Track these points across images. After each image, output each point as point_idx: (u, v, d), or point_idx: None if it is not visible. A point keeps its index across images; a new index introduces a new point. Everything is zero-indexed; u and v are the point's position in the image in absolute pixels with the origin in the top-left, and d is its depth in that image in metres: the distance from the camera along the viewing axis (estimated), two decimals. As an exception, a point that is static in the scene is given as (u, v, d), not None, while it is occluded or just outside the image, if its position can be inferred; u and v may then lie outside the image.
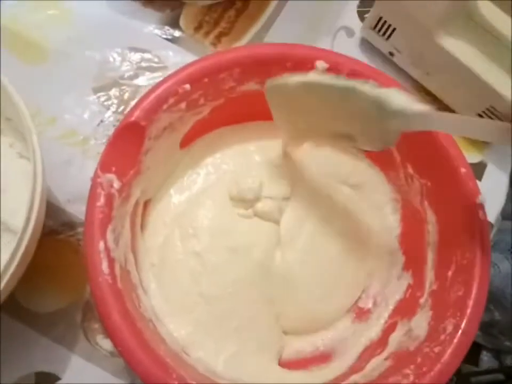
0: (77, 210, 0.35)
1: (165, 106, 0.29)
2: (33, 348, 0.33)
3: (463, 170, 0.29)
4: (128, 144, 0.28)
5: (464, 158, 0.29)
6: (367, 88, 0.26)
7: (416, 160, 0.32)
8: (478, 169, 0.44)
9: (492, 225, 0.41)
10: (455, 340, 0.26)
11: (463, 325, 0.26)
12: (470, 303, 0.26)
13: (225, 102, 0.32)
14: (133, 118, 0.28)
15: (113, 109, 0.38)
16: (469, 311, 0.26)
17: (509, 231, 0.50)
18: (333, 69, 0.31)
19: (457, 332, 0.26)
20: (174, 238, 0.32)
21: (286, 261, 0.33)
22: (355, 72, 0.31)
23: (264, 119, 0.34)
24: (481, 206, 0.28)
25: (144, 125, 0.28)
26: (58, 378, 0.32)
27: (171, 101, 0.29)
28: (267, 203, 0.33)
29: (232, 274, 0.31)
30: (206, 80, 0.30)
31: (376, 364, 0.29)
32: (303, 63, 0.31)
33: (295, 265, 0.33)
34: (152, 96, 0.28)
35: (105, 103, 0.39)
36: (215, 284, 0.31)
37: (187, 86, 0.29)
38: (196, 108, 0.31)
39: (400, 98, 0.25)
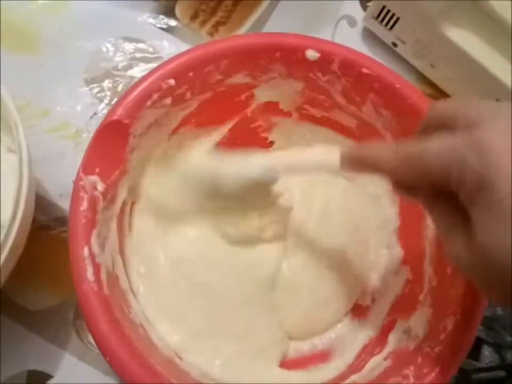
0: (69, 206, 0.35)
1: (148, 103, 0.28)
2: (26, 346, 0.32)
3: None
4: (111, 143, 0.27)
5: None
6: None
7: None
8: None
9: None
10: (457, 339, 0.25)
11: (464, 324, 0.25)
12: (471, 300, 0.25)
13: (213, 96, 0.31)
14: (115, 117, 0.27)
15: (106, 101, 0.38)
16: (470, 309, 0.25)
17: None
18: (325, 57, 0.30)
19: (458, 331, 0.25)
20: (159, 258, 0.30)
21: (291, 267, 0.32)
22: (348, 61, 0.30)
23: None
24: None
25: (128, 123, 0.27)
26: (50, 377, 0.32)
27: (155, 96, 0.28)
28: (272, 228, 0.32)
29: (232, 292, 0.30)
30: (191, 74, 0.28)
31: (375, 363, 0.29)
32: (293, 53, 0.30)
33: (298, 270, 0.32)
34: (135, 92, 0.27)
35: (98, 95, 0.38)
36: (210, 298, 0.30)
37: (171, 81, 0.28)
38: (182, 102, 0.30)
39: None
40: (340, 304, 0.33)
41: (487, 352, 0.37)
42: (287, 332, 0.32)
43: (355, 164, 0.23)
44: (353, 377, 0.28)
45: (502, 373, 0.36)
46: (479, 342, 0.37)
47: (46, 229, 0.34)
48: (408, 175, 0.20)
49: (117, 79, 0.38)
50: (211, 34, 0.41)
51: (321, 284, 0.32)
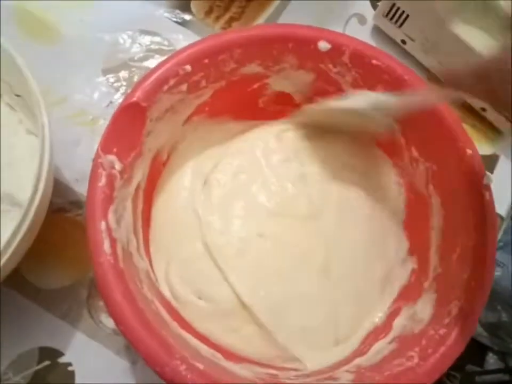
0: (85, 190, 0.35)
1: (165, 88, 0.28)
2: (38, 323, 0.33)
3: (469, 151, 0.28)
4: (129, 124, 0.27)
5: (470, 139, 0.29)
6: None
7: (421, 143, 0.32)
8: (490, 162, 0.44)
9: (502, 218, 0.40)
10: (460, 323, 0.25)
11: (468, 308, 0.26)
12: (476, 285, 0.26)
13: (227, 84, 0.32)
14: (134, 99, 0.27)
15: (122, 90, 0.39)
16: (474, 293, 0.26)
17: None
18: (336, 49, 0.31)
19: (462, 314, 0.26)
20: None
21: None
22: (358, 52, 0.31)
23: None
24: (488, 187, 0.28)
25: (145, 106, 0.28)
26: (62, 354, 0.33)
27: (172, 82, 0.29)
28: None
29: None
30: (206, 61, 0.29)
31: (380, 347, 0.29)
32: (305, 44, 0.31)
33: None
34: (153, 77, 0.28)
35: (115, 84, 0.39)
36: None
37: (188, 67, 0.29)
38: (197, 90, 0.31)
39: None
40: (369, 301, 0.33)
41: (492, 360, 0.37)
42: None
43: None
44: (358, 361, 0.29)
45: (505, 377, 0.36)
46: (483, 349, 0.37)
47: (61, 212, 0.35)
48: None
49: (133, 69, 0.39)
50: (225, 29, 0.43)
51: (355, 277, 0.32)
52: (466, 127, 0.44)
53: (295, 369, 0.29)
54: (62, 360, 0.33)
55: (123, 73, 0.39)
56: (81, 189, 0.36)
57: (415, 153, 0.33)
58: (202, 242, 0.31)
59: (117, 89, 0.39)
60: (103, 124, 0.37)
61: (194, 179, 0.34)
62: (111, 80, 0.39)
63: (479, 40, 0.39)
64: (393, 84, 0.31)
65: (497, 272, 0.38)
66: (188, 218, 0.32)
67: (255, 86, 0.34)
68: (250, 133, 0.36)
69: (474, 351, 0.38)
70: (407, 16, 0.42)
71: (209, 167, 0.34)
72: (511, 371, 0.36)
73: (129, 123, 0.27)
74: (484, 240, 0.27)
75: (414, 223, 0.34)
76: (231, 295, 0.30)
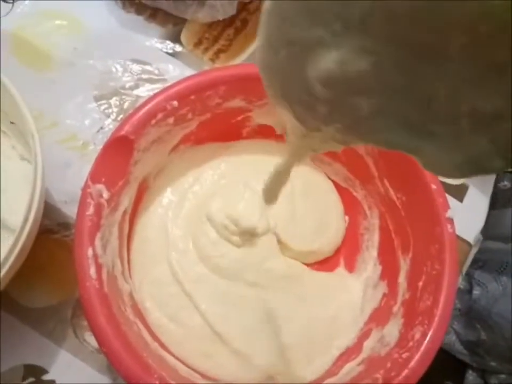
0: (73, 212, 0.37)
1: (153, 122, 0.30)
2: (24, 341, 0.34)
3: (433, 186, 0.31)
4: (117, 156, 0.29)
5: (436, 175, 0.31)
6: None
7: (392, 176, 0.34)
8: (460, 191, 0.46)
9: (470, 244, 0.43)
10: (422, 347, 0.27)
11: (430, 333, 0.28)
12: (437, 312, 0.28)
13: (212, 117, 0.34)
14: (122, 132, 0.29)
15: (112, 117, 0.40)
16: (436, 319, 0.28)
17: (498, 251, 0.51)
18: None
19: (425, 339, 0.28)
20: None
21: None
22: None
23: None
24: (450, 220, 0.30)
25: (133, 139, 0.30)
26: (46, 372, 0.34)
27: (159, 116, 0.30)
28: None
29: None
30: (192, 97, 0.31)
31: (350, 368, 0.31)
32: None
33: None
34: (142, 111, 0.30)
35: (106, 111, 0.41)
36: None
37: (175, 103, 0.31)
38: (184, 122, 0.33)
39: None
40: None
41: (471, 377, 0.39)
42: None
43: None
44: (329, 381, 0.31)
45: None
46: (463, 367, 0.39)
47: (49, 233, 0.37)
48: None
49: (123, 97, 0.41)
50: (213, 60, 0.45)
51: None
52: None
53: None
54: (46, 377, 0.34)
55: (114, 100, 0.41)
56: (69, 210, 0.37)
57: (387, 184, 0.35)
58: (168, 262, 0.33)
59: (108, 116, 0.40)
60: (92, 149, 0.39)
61: (172, 196, 0.35)
62: (103, 107, 0.41)
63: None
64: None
65: (476, 292, 0.39)
66: (159, 237, 0.34)
67: (239, 118, 0.36)
68: (236, 147, 0.38)
69: (454, 368, 0.39)
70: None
71: (190, 182, 0.35)
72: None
73: (117, 154, 0.29)
74: (445, 270, 0.29)
75: (386, 249, 0.36)
76: (202, 321, 0.32)
